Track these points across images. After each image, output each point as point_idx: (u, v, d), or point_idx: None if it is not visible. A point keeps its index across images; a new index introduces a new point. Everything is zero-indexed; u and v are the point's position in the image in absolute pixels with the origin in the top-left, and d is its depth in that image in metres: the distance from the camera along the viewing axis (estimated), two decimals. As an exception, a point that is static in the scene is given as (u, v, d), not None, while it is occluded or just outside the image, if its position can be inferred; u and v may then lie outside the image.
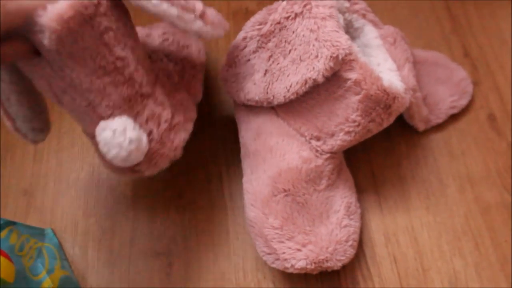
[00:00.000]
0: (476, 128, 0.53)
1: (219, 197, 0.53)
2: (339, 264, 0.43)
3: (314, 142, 0.45)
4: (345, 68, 0.41)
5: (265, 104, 0.46)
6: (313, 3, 0.42)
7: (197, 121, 0.55)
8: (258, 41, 0.46)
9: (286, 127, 0.46)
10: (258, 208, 0.44)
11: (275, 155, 0.45)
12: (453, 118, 0.53)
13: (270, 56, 0.45)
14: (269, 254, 0.43)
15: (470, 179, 0.51)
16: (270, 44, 0.45)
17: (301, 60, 0.42)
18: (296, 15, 0.43)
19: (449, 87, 0.53)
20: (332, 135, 0.44)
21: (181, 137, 0.45)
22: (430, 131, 0.53)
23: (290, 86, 0.43)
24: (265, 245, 0.43)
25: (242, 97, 0.48)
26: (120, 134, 0.36)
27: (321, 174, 0.45)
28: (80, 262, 0.51)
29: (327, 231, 0.43)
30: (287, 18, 0.43)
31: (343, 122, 0.43)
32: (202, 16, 0.39)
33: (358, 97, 0.42)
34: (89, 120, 0.40)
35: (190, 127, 0.47)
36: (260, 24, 0.46)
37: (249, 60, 0.47)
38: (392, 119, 0.45)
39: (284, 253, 0.42)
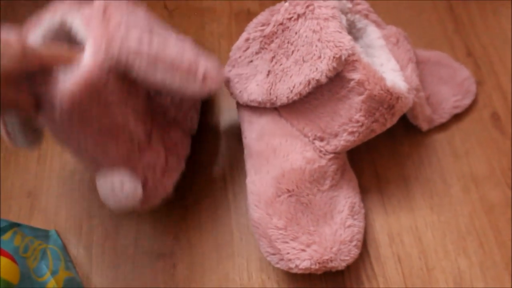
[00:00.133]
0: (480, 127, 0.53)
1: (223, 198, 0.53)
2: (343, 264, 0.43)
3: (317, 143, 0.45)
4: (348, 68, 0.41)
5: (268, 105, 0.46)
6: (316, 4, 0.42)
7: (200, 123, 0.55)
8: (261, 42, 0.46)
9: (289, 127, 0.46)
10: (262, 208, 0.44)
11: (278, 156, 0.45)
12: (457, 117, 0.53)
13: (273, 57, 0.45)
14: (273, 254, 0.43)
15: (474, 179, 0.50)
16: (272, 45, 0.45)
17: (304, 61, 0.42)
18: (299, 16, 0.43)
19: (452, 87, 0.53)
20: (336, 135, 0.44)
21: (173, 178, 0.48)
22: (434, 131, 0.53)
23: (293, 87, 0.43)
24: (269, 245, 0.43)
25: (245, 98, 0.48)
26: (118, 190, 0.41)
27: (324, 174, 0.45)
28: (84, 263, 0.51)
29: (331, 231, 0.43)
30: (290, 19, 0.44)
31: (347, 122, 0.43)
32: (203, 79, 0.41)
33: (361, 98, 0.42)
34: (89, 166, 0.43)
35: (182, 165, 0.49)
36: (263, 25, 0.46)
37: (251, 61, 0.47)
38: (395, 119, 0.45)
39: (288, 253, 0.42)
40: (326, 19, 0.41)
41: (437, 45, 0.58)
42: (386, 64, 0.47)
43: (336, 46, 0.40)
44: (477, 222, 0.48)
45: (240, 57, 0.48)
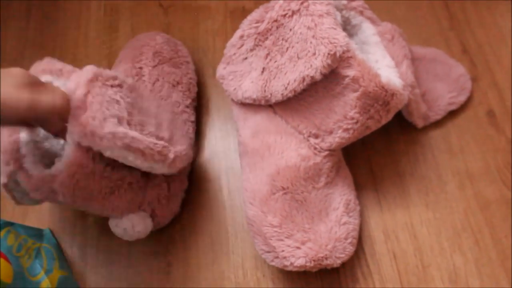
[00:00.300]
0: (475, 124, 0.53)
1: (218, 196, 0.52)
2: (339, 262, 0.43)
3: (312, 140, 0.45)
4: (343, 65, 0.41)
5: (263, 102, 0.46)
6: (310, 0, 0.42)
7: (196, 120, 0.55)
8: (255, 39, 0.46)
9: (284, 125, 0.46)
10: (257, 206, 0.44)
11: (273, 153, 0.45)
12: (452, 114, 0.53)
13: (268, 54, 0.45)
14: (268, 252, 0.43)
15: (469, 176, 0.50)
16: (267, 42, 0.45)
17: (298, 58, 0.42)
18: (293, 12, 0.43)
19: (448, 84, 0.53)
20: (331, 132, 0.44)
21: (178, 200, 0.50)
22: (429, 128, 0.53)
23: (288, 84, 0.43)
24: (264, 243, 0.43)
25: (239, 95, 0.47)
26: (130, 231, 0.45)
27: (319, 171, 0.45)
28: (79, 262, 0.51)
29: (326, 228, 0.43)
30: (284, 15, 0.43)
31: (342, 119, 0.43)
32: (170, 164, 0.44)
33: (356, 94, 0.42)
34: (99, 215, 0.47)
35: (185, 183, 0.52)
36: (257, 22, 0.46)
37: (246, 58, 0.47)
38: (390, 116, 0.45)
39: (283, 251, 0.42)
40: (320, 16, 0.41)
41: (433, 42, 0.58)
42: (381, 60, 0.46)
43: (331, 43, 0.40)
44: (472, 219, 0.48)
45: (234, 54, 0.48)
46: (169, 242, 0.51)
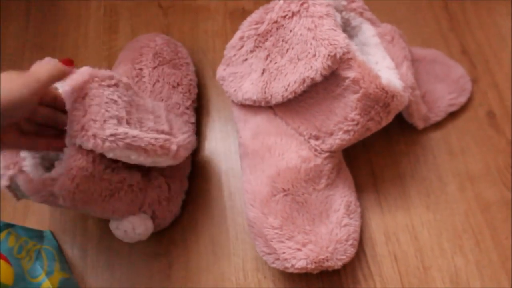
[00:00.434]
0: (475, 125, 0.53)
1: (219, 197, 0.52)
2: (340, 264, 0.43)
3: (313, 141, 0.45)
4: (343, 66, 0.41)
5: (263, 103, 0.46)
6: (310, 2, 0.42)
7: (196, 122, 0.55)
8: (255, 40, 0.46)
9: (285, 126, 0.46)
10: (258, 208, 0.44)
11: (273, 155, 0.45)
12: (452, 115, 0.53)
13: (268, 56, 0.45)
14: (269, 254, 0.43)
15: (470, 177, 0.50)
16: (267, 43, 0.45)
17: (298, 59, 0.42)
18: (293, 14, 0.43)
19: (448, 85, 0.53)
20: (331, 134, 0.44)
21: (179, 201, 0.51)
22: (429, 129, 0.53)
23: (288, 85, 0.43)
24: (265, 245, 0.43)
25: (239, 96, 0.47)
26: (130, 233, 0.45)
27: (320, 173, 0.45)
28: (80, 263, 0.51)
29: (327, 230, 0.43)
30: (284, 17, 0.43)
31: (342, 121, 0.43)
32: (174, 156, 0.44)
33: (356, 96, 0.41)
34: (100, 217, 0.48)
35: (186, 185, 0.52)
36: (257, 23, 0.46)
37: (246, 59, 0.47)
38: (391, 118, 0.45)
39: (284, 253, 0.42)
40: (320, 17, 0.41)
41: (432, 43, 0.58)
42: (381, 62, 0.46)
43: (331, 44, 0.40)
44: (473, 220, 0.48)
45: (234, 55, 0.48)
46: (170, 244, 0.51)
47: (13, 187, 0.42)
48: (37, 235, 0.50)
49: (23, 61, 0.64)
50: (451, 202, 0.49)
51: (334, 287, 0.47)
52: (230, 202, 0.52)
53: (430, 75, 0.53)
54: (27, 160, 0.41)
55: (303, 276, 0.47)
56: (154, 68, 0.53)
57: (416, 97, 0.49)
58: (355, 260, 0.47)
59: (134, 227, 0.45)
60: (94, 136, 0.37)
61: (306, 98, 0.44)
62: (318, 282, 0.47)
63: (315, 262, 0.42)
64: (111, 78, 0.41)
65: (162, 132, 0.43)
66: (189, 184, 0.52)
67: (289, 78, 0.43)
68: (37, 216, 0.54)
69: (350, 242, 0.44)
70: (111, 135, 0.38)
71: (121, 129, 0.39)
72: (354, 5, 0.48)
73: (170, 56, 0.55)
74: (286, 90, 0.43)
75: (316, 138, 0.45)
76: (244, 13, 0.62)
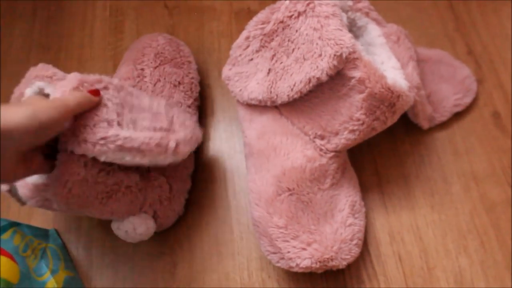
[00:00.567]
0: (481, 126, 0.53)
1: (223, 197, 0.52)
2: (344, 263, 0.43)
3: (318, 141, 0.45)
4: (349, 66, 0.41)
5: (268, 103, 0.46)
6: (316, 2, 0.42)
7: (200, 121, 0.55)
8: (261, 40, 0.46)
9: (290, 126, 0.46)
10: (263, 207, 0.44)
11: (279, 154, 0.45)
12: (457, 116, 0.53)
13: (274, 55, 0.45)
14: (273, 253, 0.43)
15: (474, 177, 0.50)
16: (273, 43, 0.45)
17: (304, 59, 0.42)
18: (299, 14, 0.43)
19: (453, 85, 0.53)
20: (336, 133, 0.44)
21: (181, 200, 0.51)
22: (434, 129, 0.53)
23: (294, 85, 0.43)
24: (270, 244, 0.43)
25: (245, 96, 0.48)
26: (132, 233, 0.45)
27: (325, 173, 0.45)
28: (85, 262, 0.51)
29: (331, 230, 0.43)
30: (290, 17, 0.43)
31: (347, 120, 0.43)
32: (174, 152, 0.43)
33: (362, 96, 0.42)
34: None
35: (188, 183, 0.52)
36: (263, 23, 0.46)
37: (252, 59, 0.47)
38: (396, 118, 0.45)
39: (289, 252, 0.42)
40: (326, 17, 0.41)
41: (438, 43, 0.58)
42: (387, 62, 0.46)
43: (337, 44, 0.40)
44: (478, 220, 0.48)
45: (240, 55, 0.48)
46: (174, 243, 0.51)
47: (13, 192, 0.42)
48: (42, 233, 0.50)
49: (29, 61, 0.64)
50: (456, 202, 0.49)
51: (338, 287, 0.47)
52: (235, 202, 0.52)
53: (435, 75, 0.53)
54: None
55: (308, 276, 0.47)
56: (156, 67, 0.53)
57: (422, 97, 0.49)
58: (359, 260, 0.47)
59: (135, 227, 0.45)
60: (85, 140, 0.38)
61: (311, 97, 0.44)
62: (323, 281, 0.47)
63: (319, 262, 0.42)
64: (99, 81, 0.41)
65: (160, 129, 0.43)
66: (194, 184, 0.53)
67: (294, 78, 0.43)
68: (42, 215, 0.54)
69: (354, 242, 0.44)
70: (101, 138, 0.38)
71: (112, 132, 0.39)
72: (360, 5, 0.48)
73: (172, 55, 0.55)
74: (292, 89, 0.43)
75: (322, 137, 0.45)
76: (250, 13, 0.63)
